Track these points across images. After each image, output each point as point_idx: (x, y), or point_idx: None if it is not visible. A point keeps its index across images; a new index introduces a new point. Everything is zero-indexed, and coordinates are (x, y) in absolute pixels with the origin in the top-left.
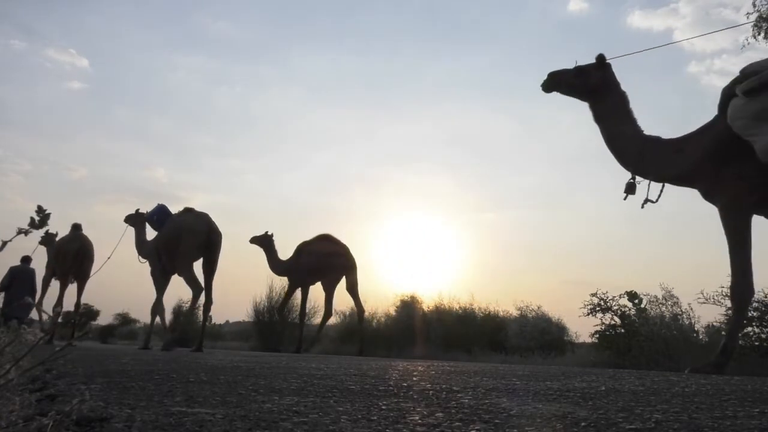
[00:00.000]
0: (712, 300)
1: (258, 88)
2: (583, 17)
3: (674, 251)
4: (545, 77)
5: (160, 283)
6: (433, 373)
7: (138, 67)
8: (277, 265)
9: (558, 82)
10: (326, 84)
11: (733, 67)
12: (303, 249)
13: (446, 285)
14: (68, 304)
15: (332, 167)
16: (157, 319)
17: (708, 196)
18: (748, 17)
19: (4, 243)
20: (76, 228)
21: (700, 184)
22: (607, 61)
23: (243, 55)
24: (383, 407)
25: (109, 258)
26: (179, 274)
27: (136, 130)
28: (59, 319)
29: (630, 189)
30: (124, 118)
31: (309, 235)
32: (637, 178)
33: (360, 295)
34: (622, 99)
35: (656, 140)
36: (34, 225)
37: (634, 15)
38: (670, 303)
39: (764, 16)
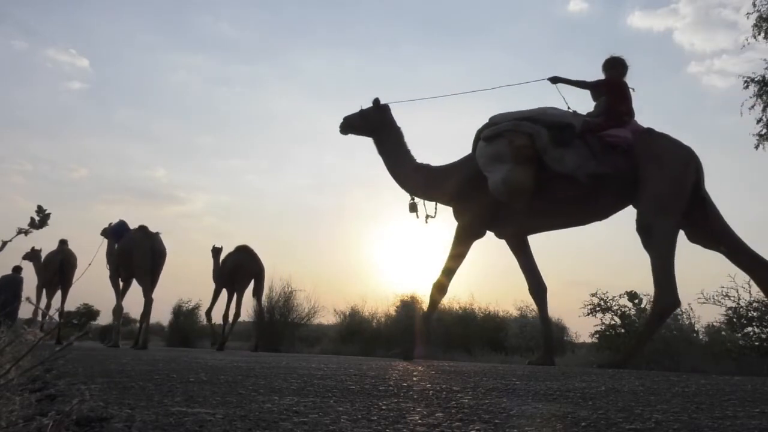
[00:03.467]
0: (712, 300)
1: (258, 88)
2: (583, 17)
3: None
4: (342, 120)
5: (117, 289)
6: (433, 373)
7: (138, 67)
8: (214, 274)
9: (349, 124)
10: (326, 84)
11: (734, 67)
12: (226, 259)
13: None
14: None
15: (332, 167)
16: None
17: (457, 214)
18: (748, 17)
19: (4, 243)
20: (63, 243)
21: (453, 204)
22: (383, 103)
23: (243, 55)
24: (383, 407)
25: (89, 265)
26: (138, 283)
27: (136, 130)
28: (57, 319)
29: (412, 208)
30: (124, 118)
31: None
32: (415, 198)
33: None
34: (397, 134)
35: (426, 168)
36: (34, 225)
37: (634, 15)
38: None
39: (764, 16)
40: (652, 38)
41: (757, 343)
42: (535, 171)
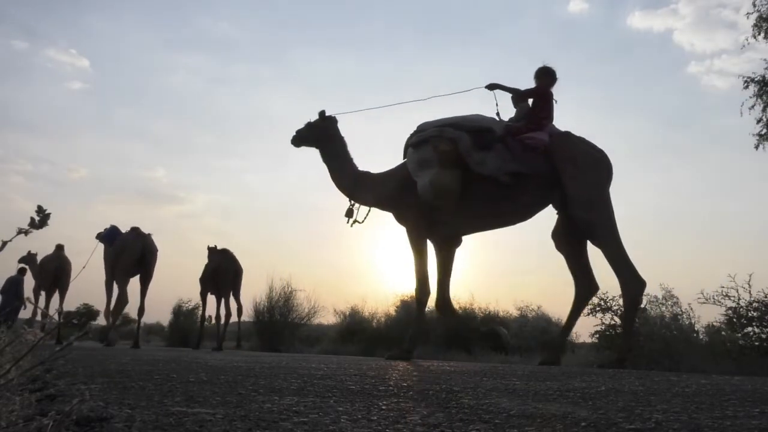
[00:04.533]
0: (712, 300)
1: (258, 88)
2: (583, 17)
3: (674, 251)
4: (294, 134)
5: (111, 293)
6: (433, 373)
7: (138, 67)
8: None
9: (300, 137)
10: (326, 84)
11: (734, 67)
12: (208, 262)
13: None
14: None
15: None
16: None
17: (399, 219)
18: (748, 17)
19: (4, 243)
20: (59, 248)
21: (392, 209)
22: (329, 115)
23: (243, 55)
24: (383, 407)
25: (83, 268)
26: (116, 283)
27: (136, 131)
28: (57, 319)
29: (349, 213)
30: (124, 118)
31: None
32: (355, 204)
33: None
34: (341, 144)
35: (366, 175)
36: (34, 225)
37: (634, 15)
38: (670, 303)
39: (764, 16)
40: (652, 38)
41: (757, 343)
42: (460, 174)
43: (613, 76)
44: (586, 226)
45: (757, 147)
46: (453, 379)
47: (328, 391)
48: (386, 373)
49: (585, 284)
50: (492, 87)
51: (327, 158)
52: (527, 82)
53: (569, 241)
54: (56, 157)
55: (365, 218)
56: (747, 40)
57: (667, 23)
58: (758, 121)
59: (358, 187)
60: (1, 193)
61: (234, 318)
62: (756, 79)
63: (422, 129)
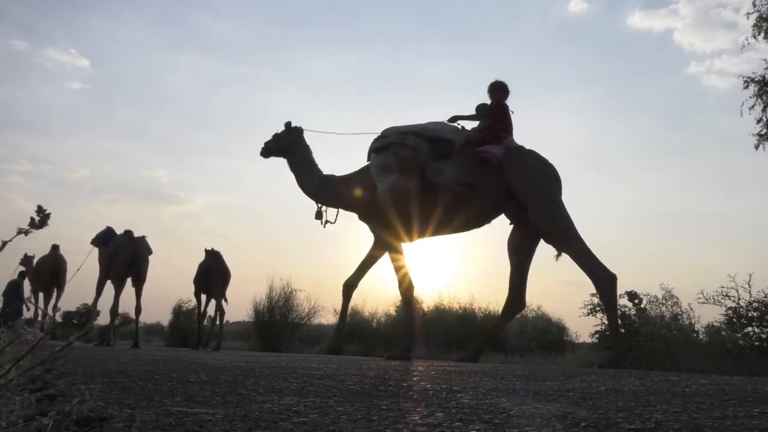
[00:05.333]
0: (712, 300)
1: (258, 88)
2: (583, 17)
3: (674, 251)
4: (263, 146)
5: (100, 293)
6: (433, 373)
7: (138, 67)
8: None
9: (267, 149)
10: (326, 84)
11: (733, 67)
12: (200, 264)
13: (446, 285)
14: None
15: (332, 167)
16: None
17: (364, 218)
18: (748, 17)
19: (4, 243)
20: (55, 248)
21: (358, 209)
22: (294, 126)
23: (243, 55)
24: (383, 407)
25: (78, 270)
26: (112, 285)
27: (137, 130)
28: (55, 318)
29: (318, 216)
30: (124, 118)
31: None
32: (323, 207)
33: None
34: (305, 152)
35: (331, 178)
36: (34, 225)
37: (634, 15)
38: (670, 303)
39: (764, 16)
40: (652, 38)
41: (757, 343)
42: (419, 181)
43: (613, 76)
44: (547, 234)
45: (757, 147)
46: (453, 379)
47: (328, 391)
48: (386, 373)
49: (515, 301)
50: (453, 119)
51: (293, 166)
52: (525, 81)
53: (517, 252)
54: (56, 157)
55: (336, 218)
56: (747, 40)
57: (667, 23)
58: (758, 121)
59: (323, 190)
60: (1, 193)
61: (209, 319)
62: (756, 79)
63: (385, 135)
